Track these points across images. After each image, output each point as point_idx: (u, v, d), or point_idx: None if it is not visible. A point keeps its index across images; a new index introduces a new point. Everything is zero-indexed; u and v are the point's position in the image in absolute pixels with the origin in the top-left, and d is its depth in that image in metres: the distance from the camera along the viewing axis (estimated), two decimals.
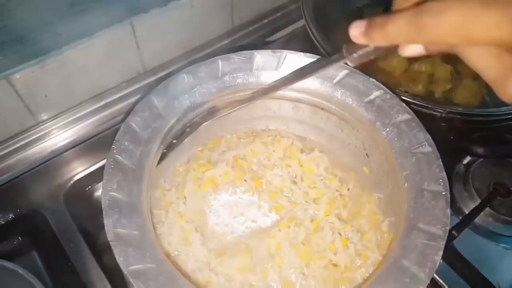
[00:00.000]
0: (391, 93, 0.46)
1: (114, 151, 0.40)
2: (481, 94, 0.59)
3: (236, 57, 0.47)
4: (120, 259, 0.34)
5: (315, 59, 0.47)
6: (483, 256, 0.53)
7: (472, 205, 0.55)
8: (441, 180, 0.40)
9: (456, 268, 0.50)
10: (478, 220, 0.54)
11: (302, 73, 0.44)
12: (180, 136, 0.45)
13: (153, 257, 0.35)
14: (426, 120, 0.44)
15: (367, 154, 0.50)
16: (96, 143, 0.59)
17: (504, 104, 0.52)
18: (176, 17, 0.61)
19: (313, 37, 0.57)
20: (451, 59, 0.61)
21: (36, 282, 0.45)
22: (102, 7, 0.58)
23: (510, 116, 0.52)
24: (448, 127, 0.53)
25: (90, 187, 0.58)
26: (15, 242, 0.54)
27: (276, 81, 0.46)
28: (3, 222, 0.52)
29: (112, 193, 0.37)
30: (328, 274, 0.44)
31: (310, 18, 0.58)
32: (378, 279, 0.36)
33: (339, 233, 0.46)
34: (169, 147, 0.44)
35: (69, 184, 0.55)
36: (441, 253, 0.36)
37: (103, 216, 0.36)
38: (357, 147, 0.50)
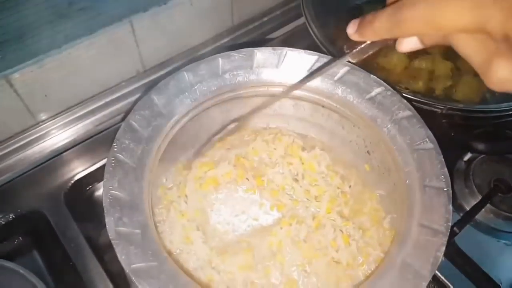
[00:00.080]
0: (392, 89, 0.45)
1: (115, 149, 0.39)
2: (481, 90, 0.59)
3: (236, 55, 0.47)
4: (122, 258, 0.34)
5: (316, 56, 0.47)
6: (484, 253, 0.53)
7: (473, 202, 0.55)
8: (442, 176, 0.40)
9: (457, 265, 0.50)
10: (479, 216, 0.54)
11: (312, 74, 0.45)
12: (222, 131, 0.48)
13: (155, 255, 0.35)
14: (427, 117, 0.44)
15: (368, 151, 0.49)
16: (96, 142, 0.59)
17: (504, 100, 0.52)
18: (175, 15, 0.61)
19: (313, 35, 0.56)
20: (451, 55, 0.61)
21: (38, 282, 0.45)
22: (101, 6, 0.58)
23: (510, 112, 0.51)
24: (448, 124, 0.53)
25: (90, 186, 0.58)
26: (15, 242, 0.54)
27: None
28: (3, 222, 0.52)
29: (113, 191, 0.37)
30: (330, 271, 0.44)
31: (310, 15, 0.58)
32: (381, 276, 0.36)
33: (341, 230, 0.46)
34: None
35: (70, 184, 0.55)
36: (443, 249, 0.36)
37: (105, 214, 0.36)
38: (358, 144, 0.50)
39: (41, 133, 0.58)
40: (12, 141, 0.57)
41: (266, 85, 0.48)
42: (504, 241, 0.55)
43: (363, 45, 0.34)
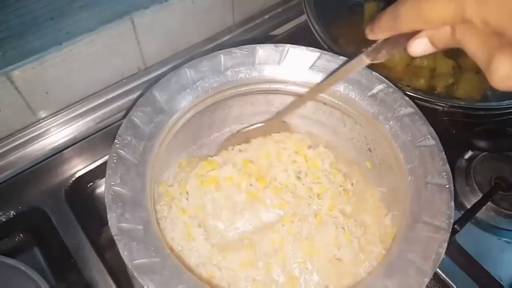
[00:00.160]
0: (394, 86, 0.46)
1: (117, 145, 0.39)
2: (482, 88, 0.59)
3: (238, 52, 0.47)
4: (124, 253, 0.34)
5: (318, 53, 0.47)
6: (485, 250, 0.53)
7: (474, 200, 0.55)
8: (444, 173, 0.40)
9: (458, 262, 0.50)
10: (480, 214, 0.54)
11: (335, 77, 0.44)
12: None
13: (157, 251, 0.35)
14: (428, 115, 0.44)
15: (369, 149, 0.49)
16: (97, 139, 0.59)
17: (505, 98, 0.52)
18: (176, 12, 0.61)
19: (315, 32, 0.56)
20: (453, 53, 0.61)
21: (39, 279, 0.45)
22: (102, 3, 0.58)
23: (511, 110, 0.52)
24: (450, 121, 0.53)
25: (91, 184, 0.58)
26: (16, 239, 0.54)
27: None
28: (4, 219, 0.52)
29: (115, 187, 0.37)
30: (331, 268, 0.44)
31: (312, 13, 0.58)
32: (383, 272, 0.36)
33: (343, 228, 0.46)
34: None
35: (71, 181, 0.55)
36: (445, 245, 0.36)
37: (107, 210, 0.36)
38: (360, 141, 0.50)
39: (42, 130, 0.58)
40: (13, 138, 0.57)
41: (268, 82, 0.48)
42: (505, 239, 0.55)
43: (376, 44, 0.34)
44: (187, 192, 0.46)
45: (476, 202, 0.54)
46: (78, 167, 0.56)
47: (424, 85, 0.60)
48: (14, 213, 0.52)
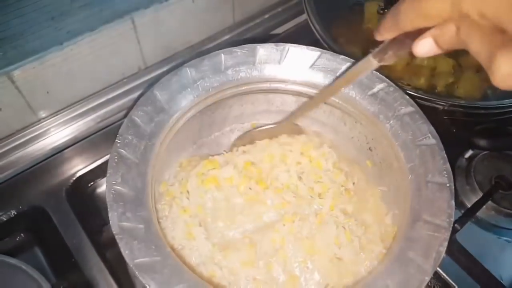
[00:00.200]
0: (394, 85, 0.46)
1: (118, 145, 0.39)
2: (483, 87, 0.59)
3: (238, 51, 0.47)
4: (125, 252, 0.34)
5: (318, 52, 0.47)
6: (485, 249, 0.53)
7: (474, 199, 0.55)
8: (445, 172, 0.40)
9: (458, 261, 0.50)
10: (480, 213, 0.54)
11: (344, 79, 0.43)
12: None
13: (159, 250, 0.35)
14: (429, 113, 0.44)
15: (370, 148, 0.50)
16: (98, 139, 0.59)
17: (506, 96, 0.52)
18: (177, 12, 0.61)
19: (315, 31, 0.56)
20: (453, 52, 0.61)
21: (40, 278, 0.45)
22: (102, 3, 0.58)
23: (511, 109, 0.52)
24: (450, 120, 0.53)
25: (92, 183, 0.58)
26: (17, 239, 0.54)
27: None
28: (5, 219, 0.52)
29: (116, 186, 0.37)
30: (332, 267, 0.44)
31: (312, 12, 0.58)
32: (384, 271, 0.36)
33: (343, 227, 0.46)
34: None
35: (71, 181, 0.55)
36: (446, 244, 0.36)
37: (108, 209, 0.36)
38: (360, 140, 0.50)
39: (42, 130, 0.58)
40: (14, 138, 0.57)
41: (268, 81, 0.48)
42: (505, 238, 0.55)
43: (382, 44, 0.34)
44: (188, 191, 0.46)
45: (477, 201, 0.54)
46: (79, 166, 0.56)
47: (425, 84, 0.60)
48: (15, 213, 0.52)
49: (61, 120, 0.59)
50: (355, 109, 0.47)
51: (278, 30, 0.75)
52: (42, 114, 0.58)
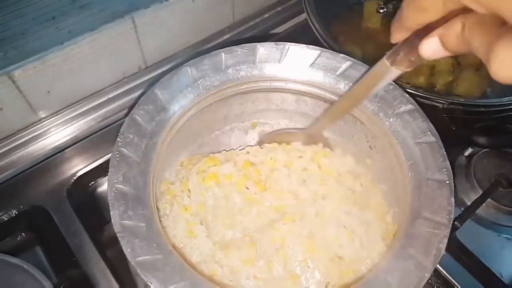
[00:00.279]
0: (394, 84, 0.46)
1: (119, 143, 0.40)
2: (482, 85, 0.59)
3: (239, 50, 0.47)
4: (127, 250, 0.34)
5: (318, 51, 0.48)
6: (485, 247, 0.53)
7: (474, 197, 0.55)
8: (444, 169, 0.40)
9: (458, 259, 0.50)
10: (480, 211, 0.54)
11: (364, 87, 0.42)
12: None
13: (160, 248, 0.35)
14: (428, 112, 0.45)
15: (370, 146, 0.50)
16: (98, 139, 0.59)
17: (505, 94, 0.52)
18: (177, 11, 0.61)
19: (315, 30, 0.57)
20: None
21: (42, 277, 0.45)
22: (103, 2, 0.58)
23: (511, 107, 0.52)
24: (450, 119, 0.53)
25: (93, 182, 0.58)
26: (18, 238, 0.54)
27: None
28: (6, 219, 0.52)
29: (118, 185, 0.37)
30: (333, 266, 0.43)
31: (312, 11, 0.58)
32: (384, 268, 0.36)
33: (344, 226, 0.45)
34: None
35: (72, 180, 0.55)
36: (446, 241, 0.36)
37: (110, 208, 0.36)
38: (360, 139, 0.50)
39: (43, 130, 0.59)
40: (15, 137, 0.57)
41: (269, 80, 0.48)
42: (505, 236, 0.55)
43: (395, 46, 0.34)
44: (189, 190, 0.46)
45: (476, 199, 0.54)
46: (80, 166, 0.56)
47: (424, 82, 0.60)
48: (16, 212, 0.52)
49: (62, 120, 0.59)
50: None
51: (278, 30, 0.75)
52: (43, 113, 0.58)
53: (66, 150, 0.57)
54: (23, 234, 0.54)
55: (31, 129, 0.58)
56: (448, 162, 0.41)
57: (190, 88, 0.45)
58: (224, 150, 0.51)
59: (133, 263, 0.33)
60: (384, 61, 0.35)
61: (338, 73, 0.47)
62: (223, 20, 0.70)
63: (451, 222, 0.37)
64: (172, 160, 0.49)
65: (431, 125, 0.43)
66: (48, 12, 0.56)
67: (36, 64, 0.53)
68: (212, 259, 0.43)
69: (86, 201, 0.57)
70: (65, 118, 0.60)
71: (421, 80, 0.60)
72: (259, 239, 0.45)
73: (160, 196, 0.46)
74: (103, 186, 0.59)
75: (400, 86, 0.46)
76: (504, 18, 0.23)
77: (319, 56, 0.47)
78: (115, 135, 0.41)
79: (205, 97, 0.46)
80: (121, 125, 0.42)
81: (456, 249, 0.51)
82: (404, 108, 0.44)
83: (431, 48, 0.29)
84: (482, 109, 0.52)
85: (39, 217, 0.52)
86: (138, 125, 0.41)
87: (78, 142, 0.58)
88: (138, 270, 0.33)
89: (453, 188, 0.39)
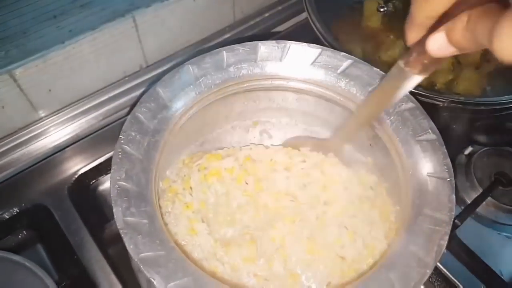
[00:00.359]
0: None
1: (122, 141, 0.40)
2: (482, 84, 0.59)
3: (240, 48, 0.47)
4: (130, 247, 0.34)
5: (319, 50, 0.48)
6: (486, 245, 0.53)
7: (474, 195, 0.55)
8: (445, 167, 0.41)
9: (458, 257, 0.50)
10: (480, 209, 0.55)
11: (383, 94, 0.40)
12: None
13: (163, 244, 0.35)
14: (428, 110, 0.45)
15: (370, 144, 0.50)
16: (99, 137, 0.59)
17: (505, 93, 0.52)
18: (177, 11, 0.62)
19: (315, 29, 0.57)
20: None
21: (44, 275, 0.45)
22: (104, 1, 0.58)
23: (511, 105, 0.52)
24: (450, 117, 0.53)
25: (94, 181, 0.58)
26: (20, 236, 0.54)
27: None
28: (7, 217, 0.52)
29: (120, 182, 0.37)
30: (334, 266, 0.43)
31: (313, 10, 0.58)
32: (385, 264, 0.36)
33: (346, 228, 0.45)
34: None
35: (73, 178, 0.55)
36: (447, 237, 0.37)
37: (112, 205, 0.36)
38: (361, 137, 0.50)
39: (44, 128, 0.59)
40: (16, 136, 0.57)
41: (270, 78, 0.48)
42: (505, 234, 0.55)
43: (411, 50, 0.33)
44: (190, 188, 0.47)
45: (476, 197, 0.54)
46: (81, 164, 0.56)
47: (424, 81, 0.60)
48: (18, 210, 0.53)
49: (63, 118, 0.60)
50: (356, 105, 0.47)
51: (278, 29, 0.75)
52: (44, 112, 0.59)
53: (67, 148, 0.58)
54: (24, 232, 0.54)
55: (32, 128, 0.58)
56: (448, 160, 0.41)
57: (192, 86, 0.45)
58: (226, 147, 0.52)
59: (136, 260, 0.33)
60: (399, 63, 0.34)
61: (339, 71, 0.47)
62: (224, 19, 0.70)
63: (452, 219, 0.38)
64: (174, 159, 0.49)
65: (432, 123, 0.43)
66: (49, 11, 0.56)
67: (37, 62, 0.53)
68: (214, 257, 0.43)
69: (87, 199, 0.57)
70: (66, 117, 0.60)
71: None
72: (259, 237, 0.45)
73: (161, 194, 0.47)
74: (104, 184, 0.59)
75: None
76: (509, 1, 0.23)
77: (320, 54, 0.48)
78: (116, 133, 0.41)
79: (206, 95, 0.46)
80: (122, 123, 0.42)
81: (456, 247, 0.51)
82: (405, 106, 0.45)
83: (437, 42, 0.29)
84: (482, 107, 0.52)
85: (40, 215, 0.53)
86: (140, 122, 0.42)
87: (79, 140, 0.59)
88: (141, 266, 0.33)
89: (454, 185, 0.39)
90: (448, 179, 0.40)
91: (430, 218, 0.38)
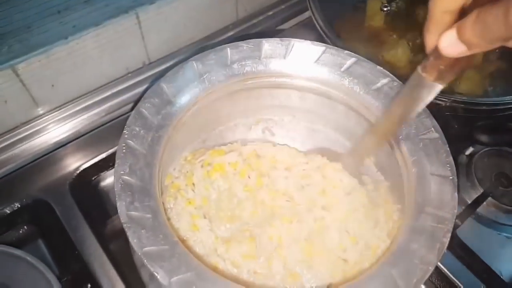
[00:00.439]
0: (398, 81, 0.46)
1: (126, 136, 0.40)
2: (483, 85, 0.60)
3: (244, 45, 0.47)
4: (134, 241, 0.34)
5: (323, 48, 0.48)
6: (486, 245, 0.53)
7: (475, 195, 0.55)
8: (448, 165, 0.41)
9: (459, 257, 0.50)
10: (480, 210, 0.55)
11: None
12: None
13: (166, 239, 0.35)
14: (431, 110, 0.45)
15: None
16: (102, 133, 0.59)
17: (506, 93, 0.53)
18: (181, 8, 0.62)
19: (319, 28, 0.57)
20: None
21: (45, 269, 0.45)
22: None
23: None
24: (452, 117, 0.53)
25: (96, 177, 0.58)
26: (21, 231, 0.54)
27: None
28: (9, 211, 0.52)
29: (124, 177, 0.37)
30: (335, 268, 0.43)
31: (316, 9, 0.58)
32: (388, 261, 0.36)
33: (347, 232, 0.45)
34: None
35: (75, 174, 0.55)
36: (449, 235, 0.37)
37: (116, 199, 0.36)
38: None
39: (46, 124, 0.59)
40: (18, 130, 0.57)
41: (273, 76, 0.48)
42: (505, 234, 0.55)
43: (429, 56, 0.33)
44: (193, 184, 0.47)
45: (477, 198, 0.54)
46: (82, 160, 0.56)
47: None
48: (19, 205, 0.52)
49: (65, 114, 0.60)
50: (359, 104, 0.47)
51: (281, 27, 0.75)
52: (46, 107, 0.59)
53: (69, 144, 0.57)
54: (25, 227, 0.54)
55: (34, 123, 0.58)
56: (451, 158, 0.41)
57: (196, 83, 0.45)
58: (230, 143, 0.52)
59: (139, 254, 0.33)
60: (417, 69, 0.34)
61: (342, 69, 0.47)
62: (227, 17, 0.70)
63: (455, 217, 0.38)
64: (176, 155, 0.49)
65: (434, 121, 0.43)
66: (53, 6, 0.56)
67: (40, 58, 0.53)
68: (215, 253, 0.43)
69: (88, 195, 0.57)
70: (68, 112, 0.60)
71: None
72: (258, 235, 0.45)
73: (164, 190, 0.47)
74: (106, 180, 0.59)
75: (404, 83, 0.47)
76: None
77: (324, 52, 0.48)
78: (118, 129, 0.41)
79: (210, 91, 0.46)
80: (124, 120, 0.42)
81: (456, 246, 0.51)
82: None
83: (448, 39, 0.29)
84: (484, 107, 0.52)
85: (42, 210, 0.52)
86: (144, 118, 0.42)
87: (81, 136, 0.58)
88: (145, 260, 0.33)
89: (456, 184, 0.39)
90: (451, 178, 0.40)
91: (432, 216, 0.38)
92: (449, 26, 0.29)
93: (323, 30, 0.57)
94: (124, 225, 0.35)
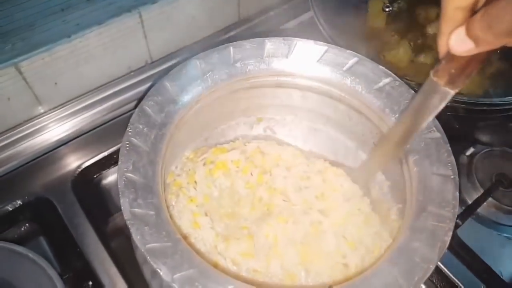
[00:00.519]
0: (400, 80, 0.46)
1: (129, 133, 0.40)
2: (484, 85, 0.60)
3: (247, 44, 0.47)
4: (137, 238, 0.34)
5: (326, 47, 0.48)
6: (486, 246, 0.54)
7: (475, 196, 0.56)
8: (449, 164, 0.41)
9: (459, 257, 0.51)
10: (481, 210, 0.55)
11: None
12: None
13: (169, 236, 0.35)
14: None
15: (374, 143, 0.50)
16: (104, 131, 0.59)
17: (507, 94, 0.53)
18: (183, 7, 0.62)
19: (321, 28, 0.57)
20: None
21: (47, 266, 0.45)
22: None
23: None
24: (453, 117, 0.53)
25: (98, 175, 0.58)
26: (23, 229, 0.55)
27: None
28: (11, 209, 0.52)
29: (128, 174, 0.38)
30: (335, 272, 0.42)
31: (318, 9, 0.59)
32: (389, 260, 0.36)
33: (344, 237, 0.44)
34: None
35: (77, 172, 0.56)
36: (450, 233, 0.37)
37: (120, 196, 0.36)
38: (365, 135, 0.51)
39: (49, 121, 0.59)
40: (21, 128, 0.57)
41: (276, 75, 0.48)
42: (505, 235, 0.55)
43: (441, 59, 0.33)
44: (195, 182, 0.47)
45: (477, 198, 0.55)
46: (85, 158, 0.57)
47: None
48: (21, 203, 0.53)
49: (68, 112, 0.60)
50: (361, 103, 0.47)
51: (283, 27, 0.75)
52: (49, 105, 0.59)
53: (71, 142, 0.58)
54: (27, 224, 0.55)
55: (37, 121, 0.58)
56: (452, 157, 0.41)
57: (199, 81, 0.45)
58: (232, 141, 0.52)
59: (143, 250, 0.34)
60: (430, 75, 0.34)
61: (345, 68, 0.47)
62: (229, 18, 0.70)
63: (456, 216, 0.38)
64: (179, 153, 0.50)
65: (436, 121, 0.43)
66: (56, 4, 0.57)
67: (43, 56, 0.53)
68: (215, 250, 0.44)
69: (90, 193, 0.57)
70: (70, 110, 0.60)
71: (425, 78, 0.60)
72: (255, 232, 0.45)
73: (165, 188, 0.47)
74: (108, 178, 0.59)
75: (406, 83, 0.47)
76: None
77: (326, 51, 0.48)
78: (120, 128, 0.41)
79: (213, 90, 0.46)
80: (126, 118, 0.42)
81: (457, 246, 0.51)
82: None
83: (456, 36, 0.29)
84: (485, 107, 0.52)
85: (44, 208, 0.53)
86: (147, 115, 0.42)
87: (83, 134, 0.59)
88: (148, 257, 0.33)
89: (457, 183, 0.40)
90: (452, 177, 0.40)
91: (433, 215, 0.38)
92: (461, 25, 0.29)
93: (325, 30, 0.57)
94: (128, 222, 0.35)
